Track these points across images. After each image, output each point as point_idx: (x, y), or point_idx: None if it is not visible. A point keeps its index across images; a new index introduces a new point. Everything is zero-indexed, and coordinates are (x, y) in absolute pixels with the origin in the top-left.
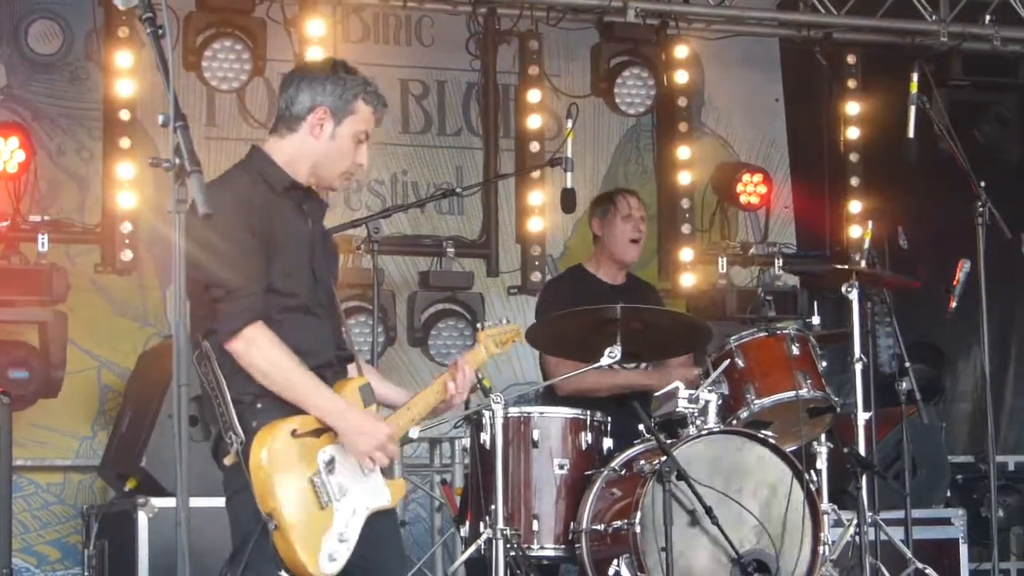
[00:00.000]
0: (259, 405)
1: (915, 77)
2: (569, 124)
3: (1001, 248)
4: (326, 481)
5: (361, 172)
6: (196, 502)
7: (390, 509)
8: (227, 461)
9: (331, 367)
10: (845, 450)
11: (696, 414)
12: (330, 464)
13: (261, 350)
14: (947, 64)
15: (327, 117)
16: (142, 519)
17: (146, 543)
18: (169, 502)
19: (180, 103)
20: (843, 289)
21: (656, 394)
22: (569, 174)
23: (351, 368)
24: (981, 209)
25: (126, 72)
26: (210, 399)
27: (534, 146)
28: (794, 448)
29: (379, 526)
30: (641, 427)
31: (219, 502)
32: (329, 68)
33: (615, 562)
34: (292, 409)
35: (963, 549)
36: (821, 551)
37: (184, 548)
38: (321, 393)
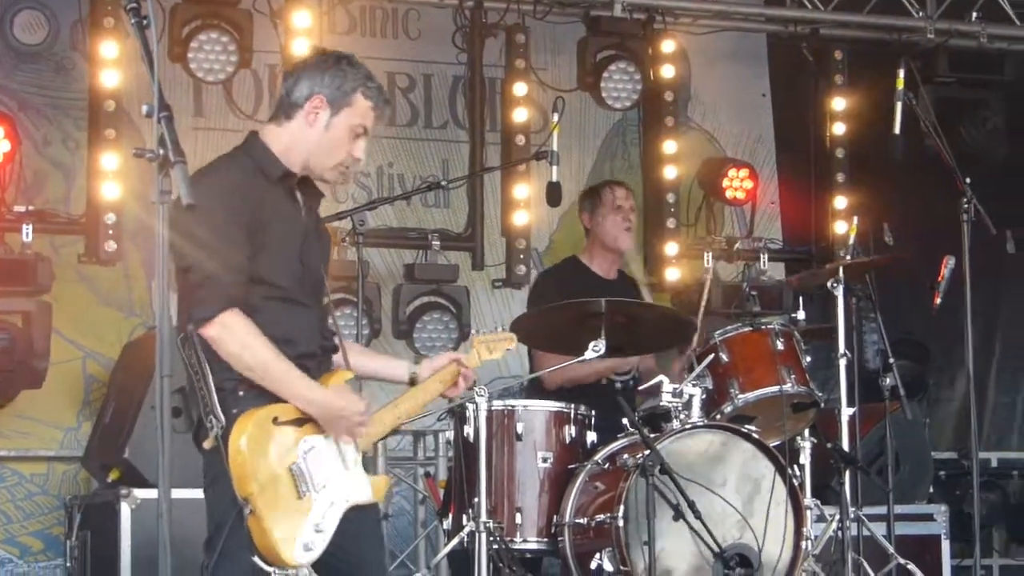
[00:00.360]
0: (241, 393)
1: (901, 73)
2: (555, 118)
3: (986, 245)
4: (305, 471)
5: (357, 166)
6: (179, 493)
7: (372, 504)
8: (206, 445)
9: (314, 357)
10: (828, 445)
11: (680, 408)
12: (310, 454)
13: (235, 336)
14: (933, 61)
15: (323, 106)
16: (125, 510)
17: (128, 534)
18: (152, 493)
19: (166, 94)
20: (828, 284)
21: (640, 388)
22: (555, 168)
23: (336, 359)
24: (966, 205)
25: (111, 63)
26: (193, 383)
27: (520, 139)
28: (777, 443)
29: (359, 520)
30: (625, 421)
31: (202, 493)
32: (333, 59)
33: (597, 555)
34: (274, 398)
35: (945, 545)
36: (803, 546)
37: (165, 539)
38: (296, 379)
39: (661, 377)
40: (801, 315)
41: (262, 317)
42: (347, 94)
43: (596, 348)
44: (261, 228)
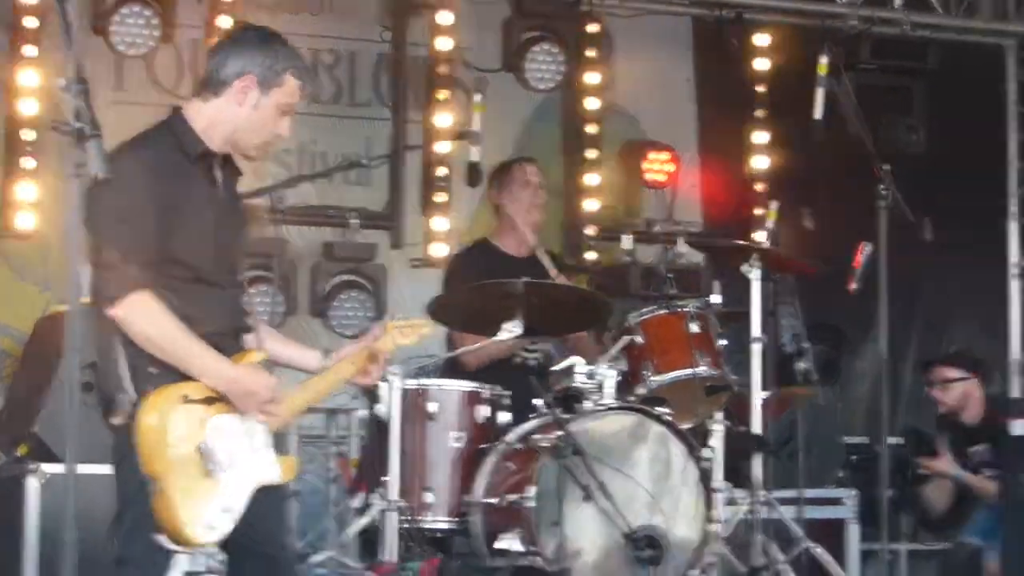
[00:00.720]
0: (152, 370)
1: (824, 59)
2: (478, 98)
3: (906, 232)
4: (214, 450)
5: (279, 143)
6: (87, 469)
7: (280, 485)
8: (116, 421)
9: (228, 336)
10: (740, 429)
11: (594, 390)
12: (219, 433)
13: (145, 317)
14: (857, 47)
15: (253, 86)
16: (32, 485)
17: (36, 509)
18: (60, 468)
19: (87, 68)
20: (743, 268)
21: (553, 369)
22: (476, 148)
23: (249, 339)
24: (884, 192)
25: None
26: (104, 360)
27: (442, 119)
28: (690, 426)
29: (268, 501)
30: (538, 402)
31: (111, 469)
32: (263, 38)
33: (507, 536)
34: (185, 376)
35: (853, 529)
36: (713, 529)
37: (71, 514)
38: (206, 358)
39: (574, 358)
40: (718, 298)
41: (175, 297)
42: (278, 74)
43: (511, 329)
44: (177, 207)
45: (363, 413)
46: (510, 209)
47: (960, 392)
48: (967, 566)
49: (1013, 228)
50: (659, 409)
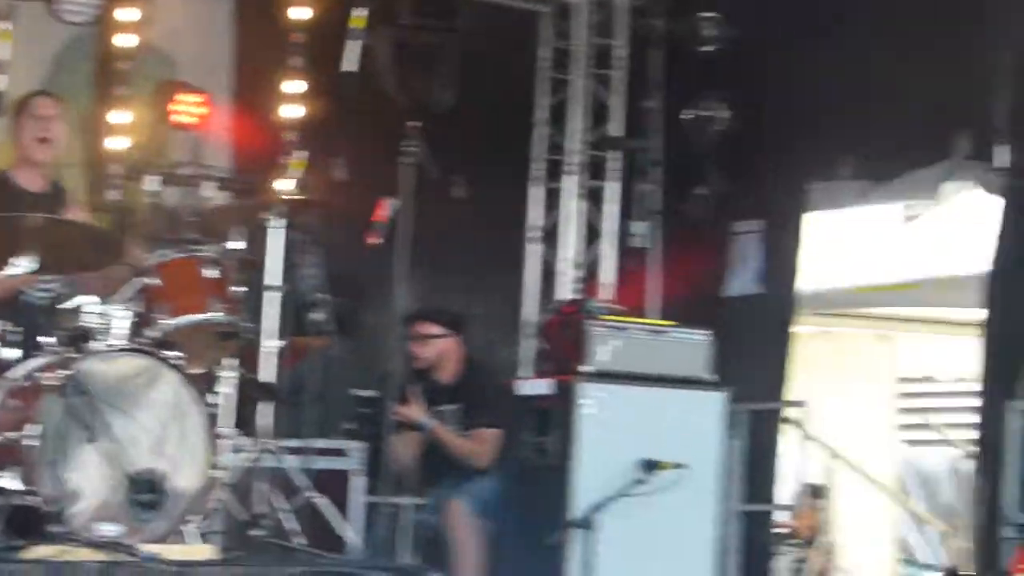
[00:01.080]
0: None
1: (360, 12)
2: (5, 26)
3: (435, 189)
4: None
5: None
6: None
7: None
8: None
9: None
10: (251, 377)
11: (105, 330)
12: None
13: None
14: (394, 3)
15: None
16: None
17: None
18: None
19: None
20: (265, 216)
21: (62, 306)
22: (2, 76)
23: None
24: (412, 148)
25: None
26: None
27: None
28: (201, 371)
29: None
30: (47, 339)
31: None
32: None
33: (5, 474)
34: None
35: (357, 481)
36: (217, 475)
37: None
38: None
39: (86, 297)
40: (238, 244)
41: None
42: None
43: (18, 264)
44: None
45: None
46: (18, 141)
47: (438, 349)
48: (428, 546)
49: (535, 192)
50: (169, 353)
